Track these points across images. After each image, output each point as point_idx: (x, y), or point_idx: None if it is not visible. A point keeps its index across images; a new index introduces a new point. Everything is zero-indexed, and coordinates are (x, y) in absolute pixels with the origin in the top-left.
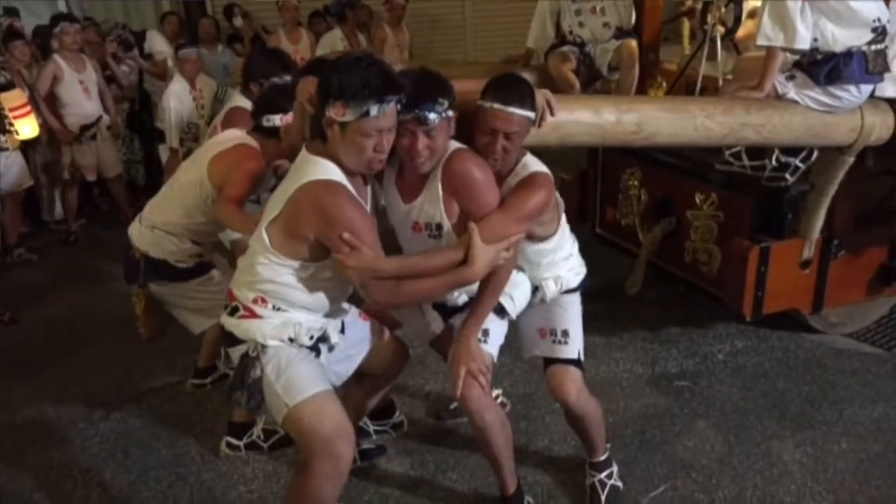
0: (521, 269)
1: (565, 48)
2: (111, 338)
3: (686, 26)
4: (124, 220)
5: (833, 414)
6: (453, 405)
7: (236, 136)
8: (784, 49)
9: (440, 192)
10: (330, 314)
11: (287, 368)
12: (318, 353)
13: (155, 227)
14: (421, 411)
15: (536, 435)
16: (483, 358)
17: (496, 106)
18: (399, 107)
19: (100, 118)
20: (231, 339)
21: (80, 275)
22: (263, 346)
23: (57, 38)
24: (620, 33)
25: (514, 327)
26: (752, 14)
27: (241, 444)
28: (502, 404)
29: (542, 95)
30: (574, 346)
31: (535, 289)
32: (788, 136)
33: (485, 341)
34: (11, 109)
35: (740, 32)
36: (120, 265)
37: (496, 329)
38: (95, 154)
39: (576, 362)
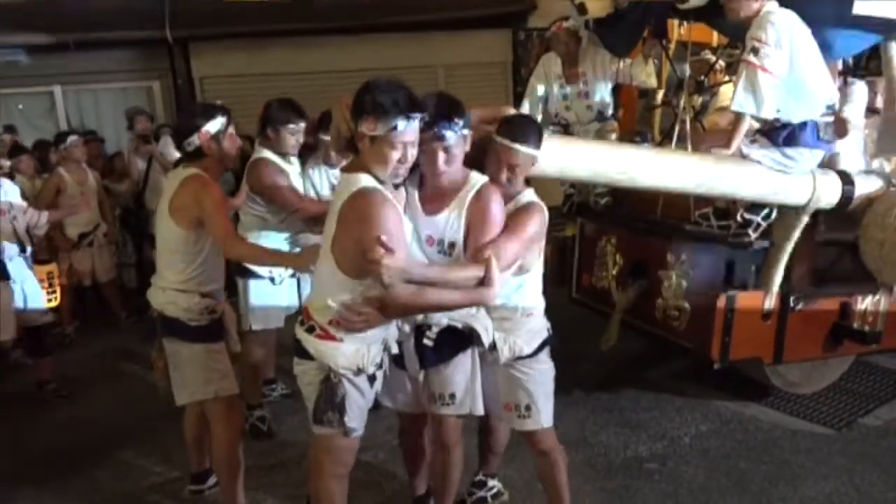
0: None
1: (551, 128)
2: (110, 435)
3: (657, 118)
4: (116, 322)
5: (789, 491)
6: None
7: (176, 175)
8: (753, 117)
9: (464, 214)
10: (390, 327)
11: (344, 402)
12: (373, 381)
13: (166, 289)
14: None
15: None
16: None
17: (505, 142)
18: (422, 125)
19: (97, 226)
20: (301, 353)
21: (76, 376)
22: (337, 373)
23: (64, 152)
24: (601, 116)
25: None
26: (720, 109)
27: None
28: (499, 493)
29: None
30: (538, 418)
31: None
32: (751, 191)
33: (451, 403)
34: (57, 277)
35: (707, 122)
36: (114, 366)
37: (460, 380)
38: (92, 260)
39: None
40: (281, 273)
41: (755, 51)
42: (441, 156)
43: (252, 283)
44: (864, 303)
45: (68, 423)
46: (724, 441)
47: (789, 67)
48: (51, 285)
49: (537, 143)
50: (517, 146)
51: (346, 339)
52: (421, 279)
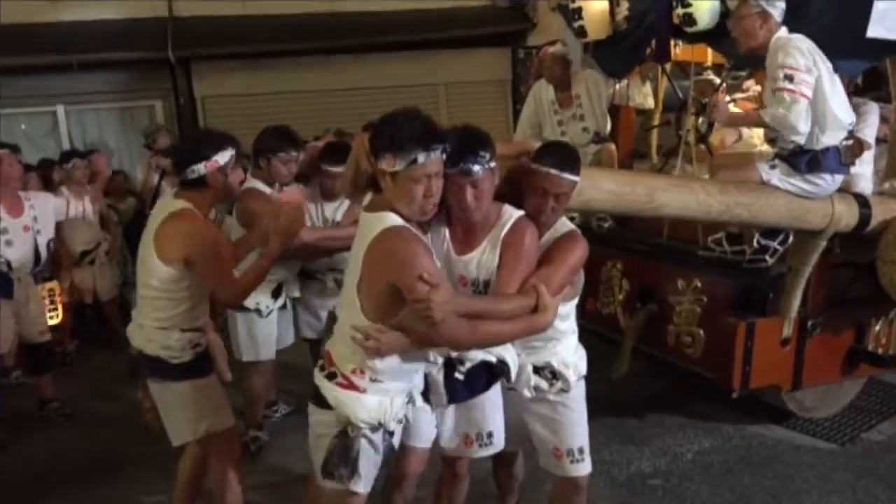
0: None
1: None
2: (112, 453)
3: (655, 138)
4: (117, 340)
5: None
6: None
7: (164, 206)
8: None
9: (498, 250)
10: (416, 377)
11: (358, 458)
12: (392, 435)
13: (144, 325)
14: None
15: None
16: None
17: (552, 171)
18: (444, 155)
19: (99, 244)
20: (319, 401)
21: (77, 394)
22: (356, 426)
23: (66, 172)
24: (599, 138)
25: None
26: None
27: None
28: None
29: None
30: (589, 459)
31: (536, 370)
32: (773, 216)
33: (489, 443)
34: (59, 295)
35: (714, 139)
36: (115, 385)
37: (497, 417)
38: (93, 278)
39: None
40: (268, 304)
41: (790, 78)
42: (469, 191)
43: (240, 315)
44: (879, 325)
45: (70, 440)
46: (727, 457)
47: (816, 93)
48: (52, 302)
49: (579, 170)
50: (565, 175)
51: (370, 391)
52: (474, 311)
